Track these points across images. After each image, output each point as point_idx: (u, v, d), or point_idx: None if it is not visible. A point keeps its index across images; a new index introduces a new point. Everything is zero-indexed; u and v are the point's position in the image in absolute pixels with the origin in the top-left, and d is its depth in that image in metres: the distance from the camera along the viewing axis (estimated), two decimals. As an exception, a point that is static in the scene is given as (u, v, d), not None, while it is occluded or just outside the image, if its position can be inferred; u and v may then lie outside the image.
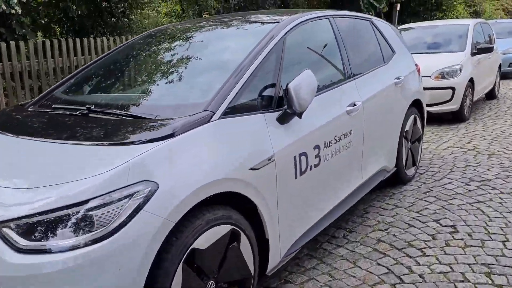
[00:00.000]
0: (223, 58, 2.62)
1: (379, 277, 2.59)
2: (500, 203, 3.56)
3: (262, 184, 2.16)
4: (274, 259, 2.34)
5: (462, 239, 2.99)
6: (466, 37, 6.99)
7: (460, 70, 6.36)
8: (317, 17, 3.10)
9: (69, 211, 1.59)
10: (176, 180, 1.78)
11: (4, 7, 5.65)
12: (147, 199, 1.68)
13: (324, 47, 3.11)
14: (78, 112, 2.25)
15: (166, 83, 2.57)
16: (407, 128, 3.92)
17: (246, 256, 2.13)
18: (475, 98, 7.00)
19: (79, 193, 1.61)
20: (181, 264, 1.79)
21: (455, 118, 6.57)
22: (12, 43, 5.53)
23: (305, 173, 2.49)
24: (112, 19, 9.01)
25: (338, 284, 2.54)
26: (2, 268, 1.55)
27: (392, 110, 3.62)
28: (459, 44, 6.94)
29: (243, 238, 2.10)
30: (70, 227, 1.58)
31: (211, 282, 1.96)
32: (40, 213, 1.59)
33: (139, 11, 10.48)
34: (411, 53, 4.43)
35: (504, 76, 10.10)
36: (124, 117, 2.14)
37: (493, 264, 2.67)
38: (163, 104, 2.31)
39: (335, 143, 2.77)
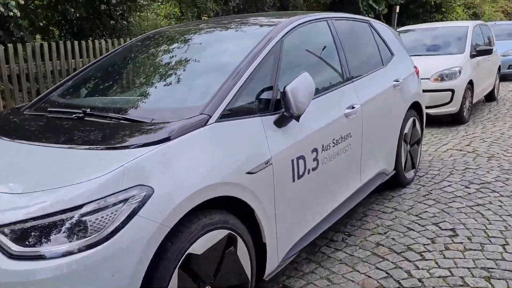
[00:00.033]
0: (220, 61, 2.60)
1: (378, 282, 2.57)
2: (499, 206, 3.54)
3: (259, 188, 2.14)
4: (272, 264, 2.32)
5: (461, 243, 2.97)
6: (465, 39, 6.99)
7: (460, 72, 6.35)
8: (315, 19, 3.08)
9: (63, 216, 1.57)
10: (171, 184, 1.76)
11: (2, 9, 5.64)
12: (142, 203, 1.66)
13: (322, 49, 3.09)
14: (73, 115, 2.23)
15: (163, 86, 2.55)
16: (406, 131, 3.91)
17: (243, 261, 2.11)
18: (474, 100, 7.00)
19: (73, 198, 1.59)
20: (176, 270, 1.77)
21: (455, 120, 6.56)
22: (10, 45, 5.51)
23: (303, 176, 2.47)
24: (111, 21, 8.99)
25: (336, 289, 2.52)
26: (-5, 275, 1.53)
27: (391, 113, 3.61)
28: (459, 46, 6.94)
29: (240, 243, 2.08)
30: (64, 232, 1.56)
31: (207, 287, 1.94)
32: (33, 218, 1.57)
33: (138, 13, 10.46)
34: (411, 55, 4.42)
35: (503, 78, 10.09)
36: (120, 121, 2.13)
37: (492, 268, 2.65)
38: (159, 108, 2.29)
39: (333, 146, 2.75)
